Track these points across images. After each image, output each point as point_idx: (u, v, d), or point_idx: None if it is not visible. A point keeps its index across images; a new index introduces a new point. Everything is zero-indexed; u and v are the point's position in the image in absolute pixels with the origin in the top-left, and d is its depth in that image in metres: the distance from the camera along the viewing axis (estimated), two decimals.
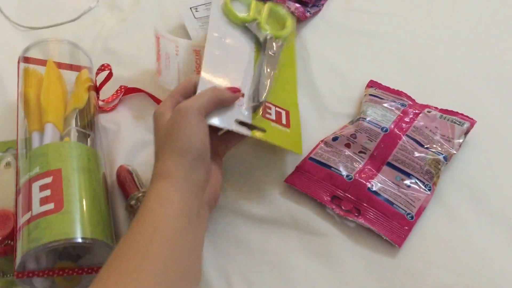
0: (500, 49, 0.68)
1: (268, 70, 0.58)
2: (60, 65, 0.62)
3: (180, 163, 0.46)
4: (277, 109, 0.57)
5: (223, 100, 0.51)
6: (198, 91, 0.51)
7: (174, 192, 0.45)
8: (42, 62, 0.62)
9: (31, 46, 0.63)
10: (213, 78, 0.54)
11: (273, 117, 0.56)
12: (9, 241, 0.51)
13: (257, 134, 0.53)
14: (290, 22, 0.65)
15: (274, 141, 0.54)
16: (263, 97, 0.55)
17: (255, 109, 0.54)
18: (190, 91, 0.52)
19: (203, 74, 0.53)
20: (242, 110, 0.54)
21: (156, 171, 0.47)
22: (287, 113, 0.58)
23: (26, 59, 0.62)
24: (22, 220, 0.48)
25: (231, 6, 0.62)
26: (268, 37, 0.61)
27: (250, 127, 0.53)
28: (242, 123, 0.52)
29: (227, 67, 0.57)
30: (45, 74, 0.60)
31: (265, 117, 0.55)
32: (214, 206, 0.51)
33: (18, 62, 0.62)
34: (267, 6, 0.65)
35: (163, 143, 0.47)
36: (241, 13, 0.62)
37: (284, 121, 0.57)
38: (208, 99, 0.49)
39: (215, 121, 0.50)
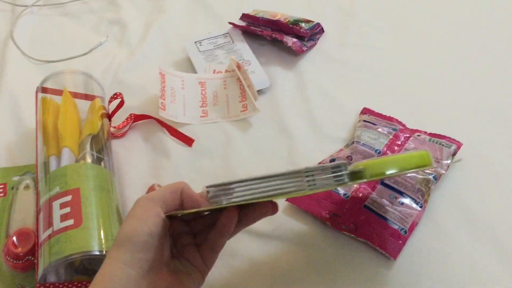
0: (484, 80, 0.74)
1: None
2: (75, 95, 0.66)
3: (118, 256, 0.42)
4: None
5: (188, 195, 0.46)
6: None
7: None
8: (59, 92, 0.66)
9: (48, 77, 0.67)
10: None
11: None
12: (30, 257, 0.54)
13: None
14: None
15: None
16: None
17: None
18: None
19: None
20: None
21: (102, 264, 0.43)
22: None
23: (44, 89, 0.66)
24: (43, 235, 0.52)
25: None
26: None
27: None
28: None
29: None
30: (62, 102, 0.64)
31: None
32: None
33: (36, 92, 0.66)
34: None
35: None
36: None
37: None
38: (170, 190, 0.46)
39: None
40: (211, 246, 0.48)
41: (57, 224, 0.51)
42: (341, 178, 0.42)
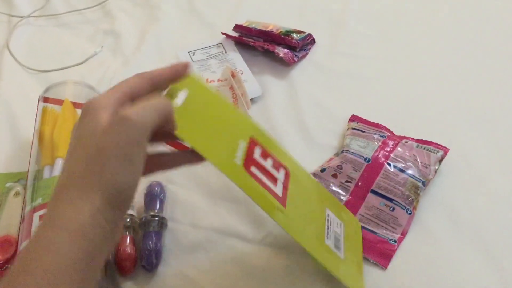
0: (469, 86, 0.76)
1: None
2: (75, 105, 0.66)
3: (102, 204, 0.35)
4: None
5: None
6: None
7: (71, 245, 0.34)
8: (60, 102, 0.66)
9: (51, 87, 0.67)
10: None
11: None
12: (9, 265, 0.54)
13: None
14: None
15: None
16: None
17: None
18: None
19: None
20: None
21: (60, 195, 0.36)
22: None
23: (46, 99, 0.66)
24: (22, 246, 0.52)
25: None
26: None
27: None
28: None
29: None
30: (61, 112, 0.64)
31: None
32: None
33: (38, 101, 0.66)
34: None
35: (89, 160, 0.35)
36: None
37: None
38: (158, 113, 0.37)
39: None
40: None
41: None
42: None
